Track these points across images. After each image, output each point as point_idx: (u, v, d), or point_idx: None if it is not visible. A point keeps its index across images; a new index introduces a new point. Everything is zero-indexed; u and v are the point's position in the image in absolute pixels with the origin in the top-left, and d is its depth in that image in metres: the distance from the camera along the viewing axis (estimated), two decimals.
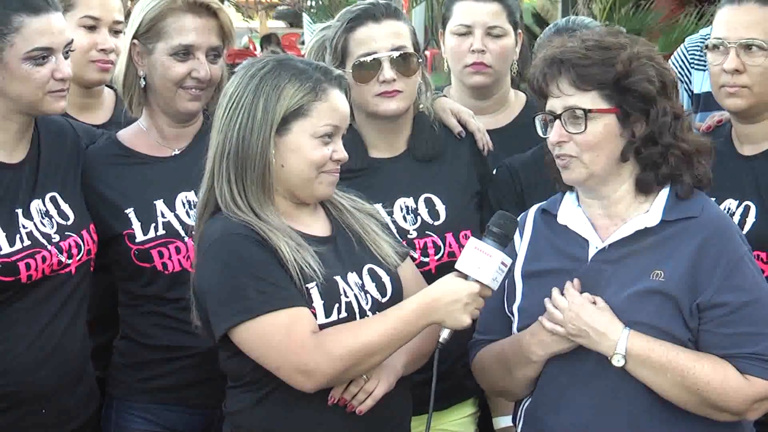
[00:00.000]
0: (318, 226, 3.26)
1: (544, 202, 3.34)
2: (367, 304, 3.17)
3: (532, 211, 3.35)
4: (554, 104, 3.14)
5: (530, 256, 3.26)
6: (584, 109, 3.08)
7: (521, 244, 3.29)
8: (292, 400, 3.10)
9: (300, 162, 3.16)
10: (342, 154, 3.20)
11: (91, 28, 4.06)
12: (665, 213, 3.13)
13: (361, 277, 3.19)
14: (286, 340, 3.02)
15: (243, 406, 3.19)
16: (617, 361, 3.03)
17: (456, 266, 3.08)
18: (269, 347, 3.04)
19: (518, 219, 3.31)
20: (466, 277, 3.06)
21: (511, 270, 3.20)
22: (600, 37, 3.16)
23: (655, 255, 3.10)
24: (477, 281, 3.05)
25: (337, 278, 3.14)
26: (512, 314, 3.27)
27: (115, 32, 4.13)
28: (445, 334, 3.08)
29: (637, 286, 3.08)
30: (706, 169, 3.17)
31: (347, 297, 3.14)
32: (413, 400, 3.40)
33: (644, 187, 3.15)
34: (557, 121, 3.12)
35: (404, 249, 3.39)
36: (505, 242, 3.09)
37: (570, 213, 3.23)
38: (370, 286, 3.20)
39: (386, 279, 3.23)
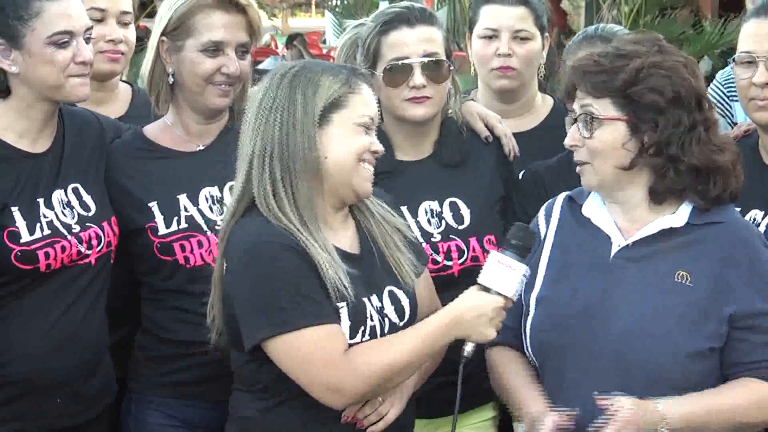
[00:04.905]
0: (348, 240, 3.22)
1: (573, 190, 3.33)
2: (385, 328, 3.14)
3: (560, 198, 3.35)
4: (575, 107, 3.17)
5: (557, 243, 3.26)
6: (592, 115, 3.10)
7: (548, 231, 3.29)
8: (303, 411, 3.09)
9: (343, 151, 3.12)
10: (379, 146, 3.19)
11: (98, 20, 4.07)
12: (691, 217, 3.13)
13: (381, 300, 3.16)
14: (318, 357, 2.99)
15: (253, 413, 3.17)
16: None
17: (478, 280, 3.07)
18: (301, 363, 3.01)
19: (545, 205, 3.34)
20: (488, 290, 3.05)
21: (537, 254, 3.21)
22: (623, 44, 3.17)
23: (680, 256, 3.08)
24: (500, 294, 3.04)
25: (365, 300, 3.12)
26: (527, 305, 3.24)
27: (124, 24, 4.16)
28: (469, 347, 3.07)
29: (660, 288, 3.07)
30: (727, 187, 3.14)
31: (372, 321, 3.12)
32: (432, 403, 3.43)
33: (656, 197, 3.14)
34: (574, 124, 3.15)
35: (422, 266, 3.34)
36: (524, 254, 3.07)
37: (594, 209, 3.23)
38: (389, 309, 3.16)
39: (405, 302, 3.20)
